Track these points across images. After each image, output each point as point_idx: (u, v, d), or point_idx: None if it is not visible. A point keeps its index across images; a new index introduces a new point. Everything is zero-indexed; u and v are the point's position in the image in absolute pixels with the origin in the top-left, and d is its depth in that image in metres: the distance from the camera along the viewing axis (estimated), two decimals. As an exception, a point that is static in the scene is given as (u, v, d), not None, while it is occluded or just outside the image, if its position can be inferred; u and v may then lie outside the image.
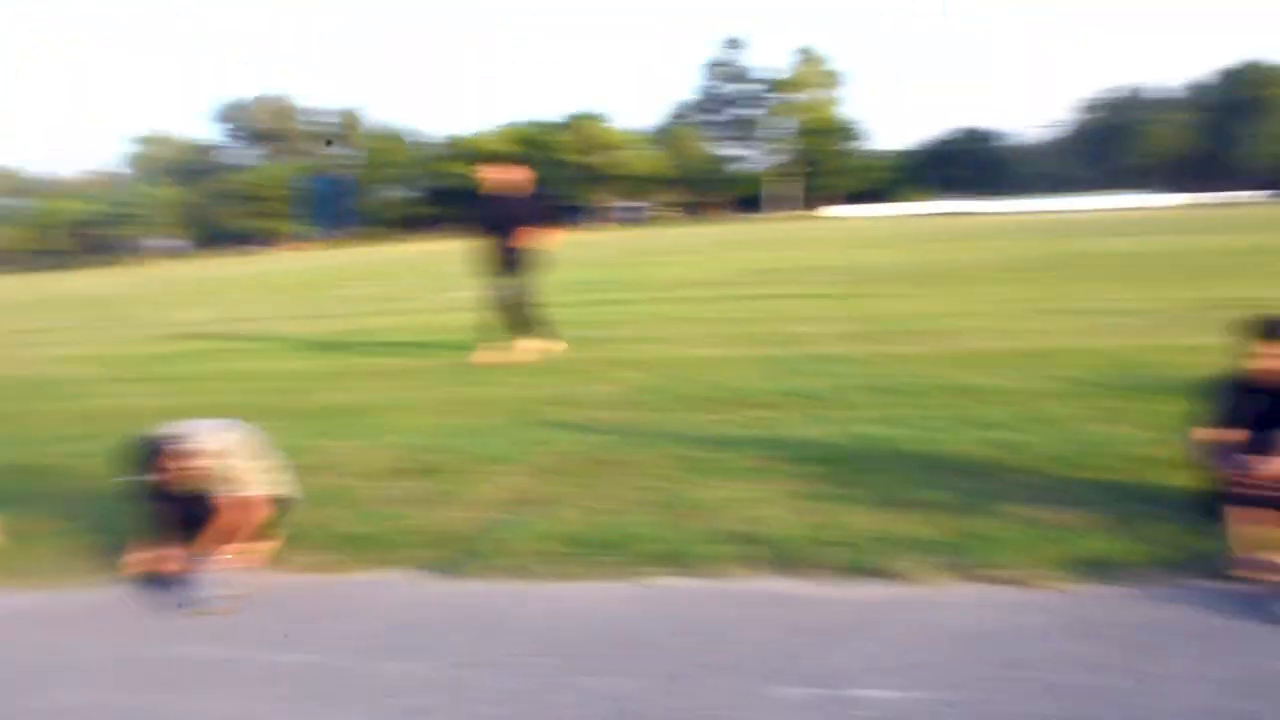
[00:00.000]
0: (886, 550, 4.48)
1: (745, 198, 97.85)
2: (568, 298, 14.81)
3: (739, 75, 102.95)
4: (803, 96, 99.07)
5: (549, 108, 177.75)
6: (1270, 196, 74.19)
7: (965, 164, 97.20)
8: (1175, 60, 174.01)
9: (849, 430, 6.59)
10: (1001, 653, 3.60)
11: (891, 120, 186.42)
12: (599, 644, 3.86)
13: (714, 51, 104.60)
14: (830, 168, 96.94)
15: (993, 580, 4.19)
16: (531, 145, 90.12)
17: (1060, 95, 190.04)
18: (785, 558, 4.50)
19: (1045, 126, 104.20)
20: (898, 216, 70.47)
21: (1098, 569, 4.22)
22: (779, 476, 5.63)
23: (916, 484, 5.37)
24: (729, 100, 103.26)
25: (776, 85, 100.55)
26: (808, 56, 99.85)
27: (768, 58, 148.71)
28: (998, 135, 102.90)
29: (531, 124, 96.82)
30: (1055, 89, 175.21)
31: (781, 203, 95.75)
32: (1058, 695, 3.29)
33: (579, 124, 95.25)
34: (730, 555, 4.56)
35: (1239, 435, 4.40)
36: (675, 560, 4.54)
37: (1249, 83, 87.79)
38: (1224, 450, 4.36)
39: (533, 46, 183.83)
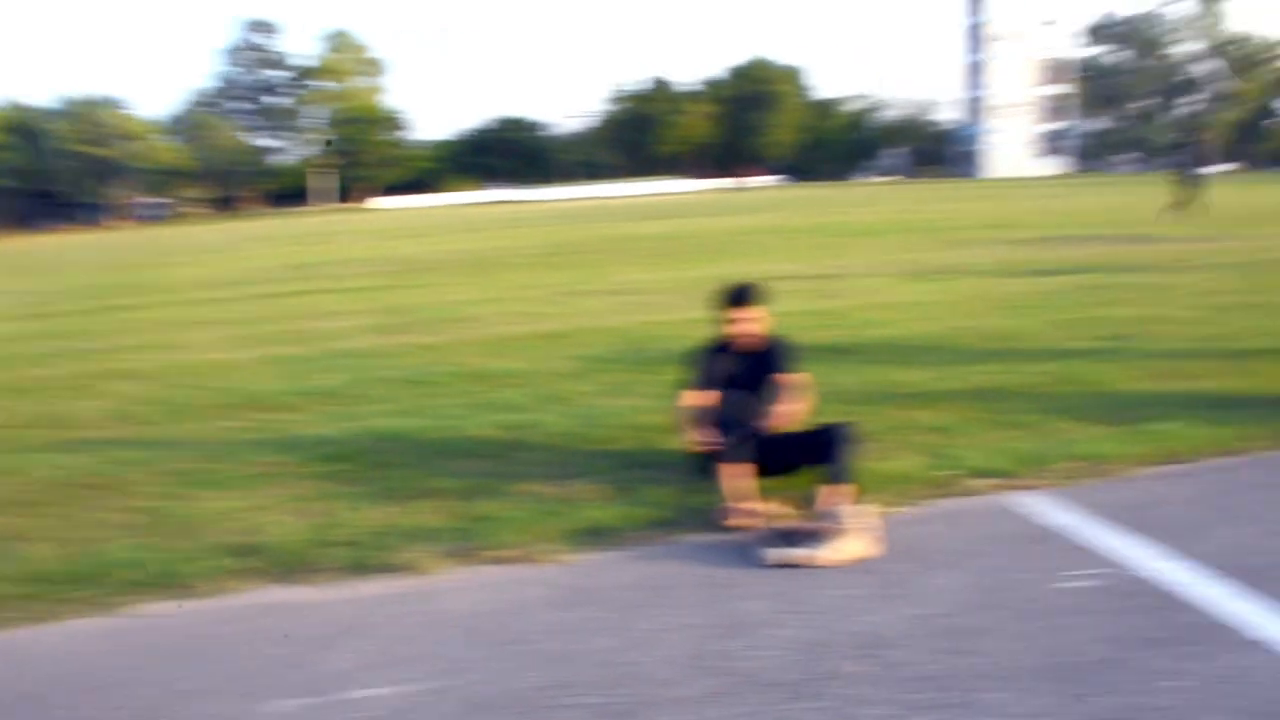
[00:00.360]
0: (392, 544, 4.43)
1: (284, 191, 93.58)
2: (66, 306, 13.40)
3: (270, 61, 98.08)
4: (339, 84, 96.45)
5: (42, 90, 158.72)
6: (781, 180, 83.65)
7: (506, 153, 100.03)
8: (694, 56, 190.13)
9: (365, 425, 6.48)
10: (499, 631, 3.66)
11: (433, 109, 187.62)
12: (61, 691, 3.47)
13: (238, 34, 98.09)
14: (371, 158, 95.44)
15: (498, 561, 4.26)
16: (18, 133, 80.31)
17: (592, 86, 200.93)
18: (286, 565, 4.31)
19: (580, 116, 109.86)
20: (440, 207, 71.19)
21: (599, 536, 4.43)
22: (286, 480, 5.41)
23: (428, 473, 5.37)
24: (262, 87, 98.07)
25: (310, 72, 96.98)
26: (342, 42, 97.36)
27: (301, 43, 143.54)
28: (536, 125, 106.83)
29: (14, 107, 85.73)
30: (588, 80, 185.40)
31: (324, 196, 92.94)
32: (551, 664, 3.39)
33: (83, 110, 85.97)
34: (225, 570, 4.28)
35: (713, 397, 4.84)
36: (162, 584, 4.19)
37: (758, 79, 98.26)
38: (703, 412, 4.77)
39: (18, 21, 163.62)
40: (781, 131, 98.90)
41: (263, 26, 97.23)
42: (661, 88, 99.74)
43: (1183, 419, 5.74)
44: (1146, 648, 3.27)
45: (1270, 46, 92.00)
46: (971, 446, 5.41)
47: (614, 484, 5.04)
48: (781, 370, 4.90)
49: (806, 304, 10.69)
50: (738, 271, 13.35)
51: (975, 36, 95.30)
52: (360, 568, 4.27)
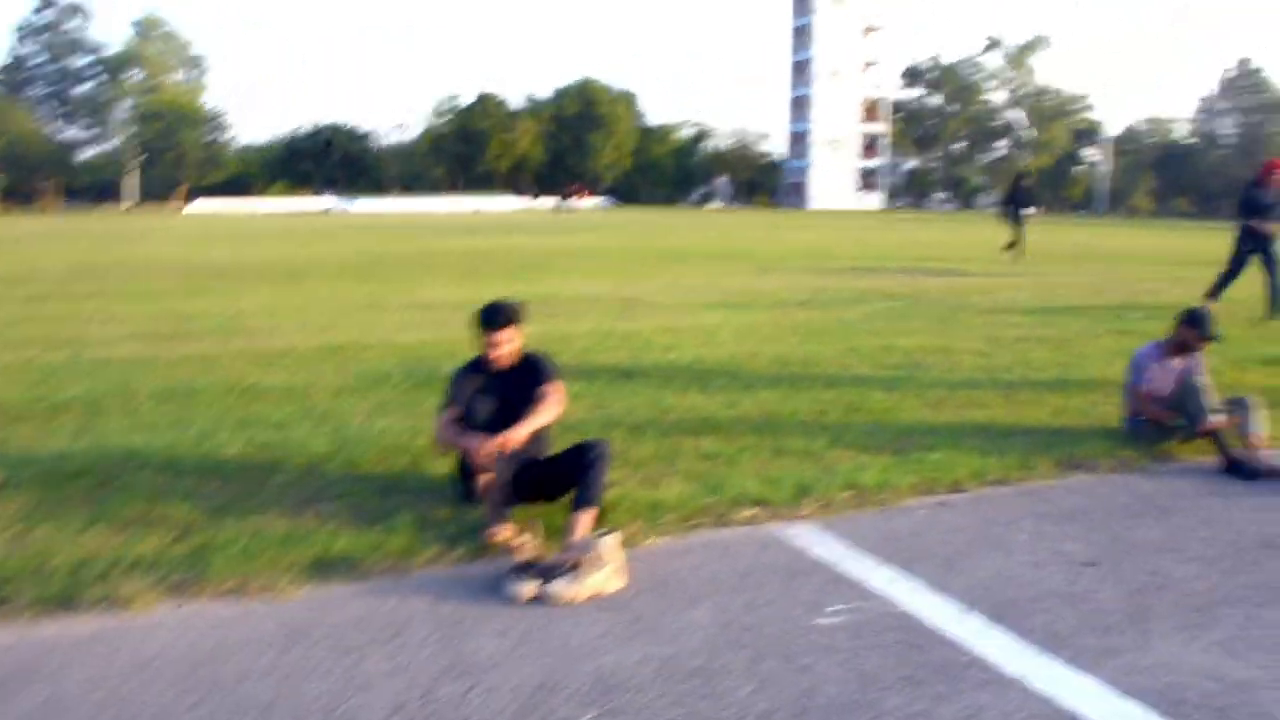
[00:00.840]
0: (109, 576, 3.97)
1: (92, 187, 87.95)
2: None
3: (76, 46, 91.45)
4: (153, 78, 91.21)
5: None
6: (607, 202, 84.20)
7: (329, 161, 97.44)
8: (523, 73, 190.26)
9: (105, 441, 5.94)
10: (210, 675, 3.28)
11: (253, 112, 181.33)
12: None
13: (35, 12, 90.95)
14: (187, 158, 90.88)
15: (220, 595, 3.88)
16: None
17: (420, 97, 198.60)
18: (-18, 600, 3.80)
19: (406, 128, 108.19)
20: (258, 213, 68.61)
21: (335, 568, 4.11)
22: (2, 501, 4.84)
23: (163, 497, 4.91)
24: (68, 75, 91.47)
25: (122, 62, 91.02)
26: (157, 33, 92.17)
27: (112, 30, 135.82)
28: (361, 133, 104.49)
29: None
30: (416, 91, 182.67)
31: (134, 194, 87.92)
32: (262, 711, 3.05)
33: None
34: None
35: (471, 417, 4.60)
36: None
37: (588, 100, 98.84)
38: (457, 433, 4.52)
39: None
40: (610, 154, 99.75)
41: (71, 9, 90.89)
42: (490, 103, 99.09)
43: (954, 449, 5.83)
44: (896, 688, 3.18)
45: (1075, 99, 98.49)
46: (745, 475, 5.32)
47: (365, 509, 4.72)
48: (538, 385, 4.70)
49: (602, 324, 10.57)
50: (542, 290, 13.21)
51: (801, 72, 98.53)
52: (68, 602, 3.80)
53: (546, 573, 3.94)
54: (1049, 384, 7.80)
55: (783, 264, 19.31)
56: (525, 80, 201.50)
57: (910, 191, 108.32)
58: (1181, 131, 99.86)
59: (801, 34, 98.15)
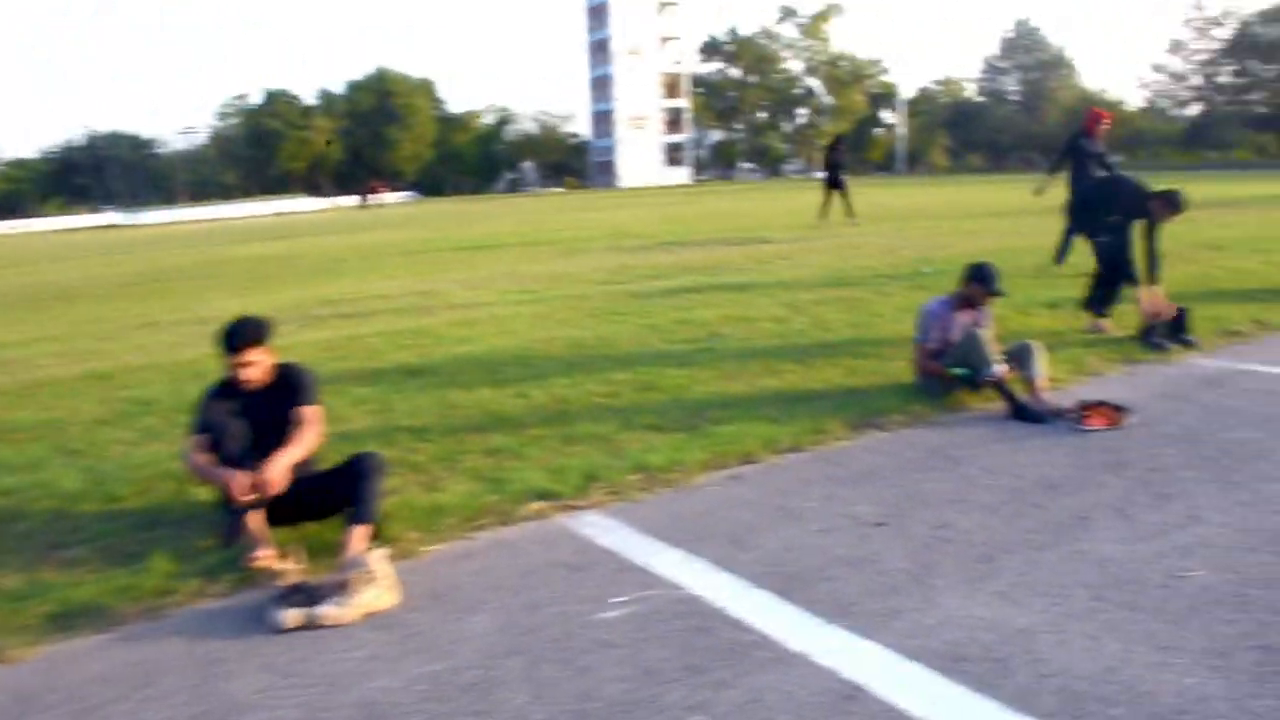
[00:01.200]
0: None
1: None
2: None
3: None
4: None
5: None
6: (411, 196, 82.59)
7: (108, 171, 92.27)
8: (313, 68, 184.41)
9: None
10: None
11: (15, 123, 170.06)
12: None
13: None
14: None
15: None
16: None
17: (204, 100, 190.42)
18: None
19: (192, 132, 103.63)
20: (26, 232, 64.37)
21: (77, 619, 3.73)
22: None
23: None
24: None
25: None
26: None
27: None
28: (143, 141, 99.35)
29: None
30: (199, 93, 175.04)
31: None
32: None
33: None
34: None
35: (223, 440, 4.26)
36: None
37: (384, 92, 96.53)
38: (209, 464, 4.18)
39: None
40: (411, 146, 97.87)
41: None
42: (280, 101, 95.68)
43: (747, 420, 5.79)
44: (678, 680, 3.06)
45: (869, 64, 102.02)
46: (532, 468, 5.14)
47: (118, 549, 4.35)
48: (295, 405, 4.39)
49: (394, 323, 10.22)
50: (335, 292, 12.72)
51: (600, 51, 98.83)
52: None
53: (313, 596, 3.68)
54: (844, 345, 7.89)
55: (588, 246, 19.19)
56: (317, 74, 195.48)
57: (717, 163, 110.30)
58: (970, 91, 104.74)
59: (598, 13, 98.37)
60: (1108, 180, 8.44)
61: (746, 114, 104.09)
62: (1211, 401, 6.03)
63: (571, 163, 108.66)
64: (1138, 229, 8.10)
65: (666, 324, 9.20)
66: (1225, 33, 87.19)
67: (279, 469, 4.10)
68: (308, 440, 4.31)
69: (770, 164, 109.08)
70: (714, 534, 4.24)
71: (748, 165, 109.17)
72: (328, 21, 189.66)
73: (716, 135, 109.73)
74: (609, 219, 29.54)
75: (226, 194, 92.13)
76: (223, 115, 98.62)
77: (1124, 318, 8.23)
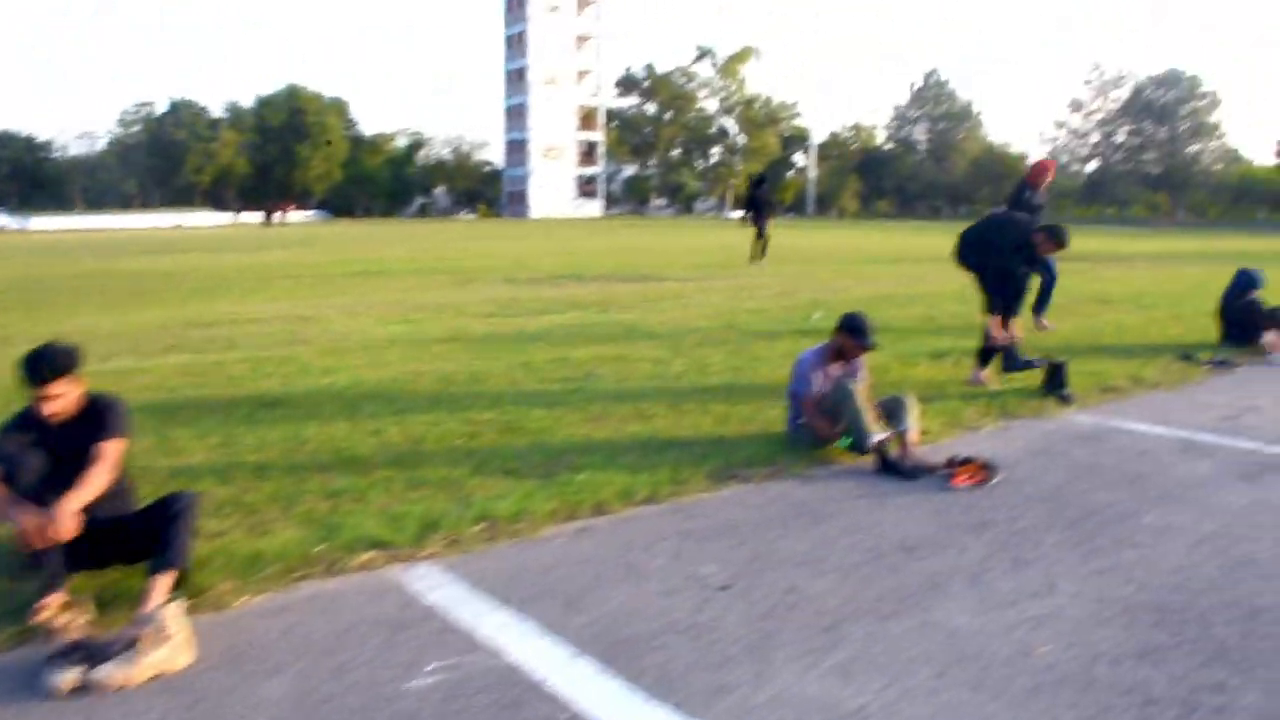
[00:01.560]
0: None
1: None
2: None
3: None
4: None
5: None
6: (319, 216, 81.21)
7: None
8: (223, 79, 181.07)
9: None
10: None
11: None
12: None
13: None
14: None
15: None
16: None
17: (108, 107, 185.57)
18: None
19: (91, 137, 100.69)
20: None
21: None
22: None
23: None
24: None
25: None
26: None
27: None
28: (39, 143, 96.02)
29: None
30: (103, 100, 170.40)
31: None
32: None
33: None
34: None
35: (22, 477, 3.87)
36: None
37: (295, 109, 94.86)
38: (3, 500, 3.78)
39: None
40: (321, 165, 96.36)
41: None
42: (186, 111, 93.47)
43: (606, 468, 5.54)
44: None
45: (784, 107, 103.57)
46: (370, 513, 4.80)
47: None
48: (100, 440, 4.02)
49: (264, 349, 9.78)
50: (213, 313, 12.22)
51: (517, 80, 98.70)
52: None
53: (96, 654, 3.31)
54: (720, 390, 7.70)
55: (484, 275, 18.85)
56: (226, 87, 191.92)
57: (630, 198, 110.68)
58: (881, 138, 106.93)
59: (515, 42, 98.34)
60: (994, 219, 8.42)
61: (661, 150, 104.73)
62: (1083, 459, 5.94)
63: (485, 191, 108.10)
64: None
65: (543, 361, 8.93)
66: (1122, 93, 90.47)
67: (67, 511, 3.73)
68: (97, 479, 3.93)
69: (683, 201, 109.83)
70: (550, 593, 3.96)
71: (660, 201, 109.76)
72: (240, 34, 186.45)
73: (630, 170, 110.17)
74: (512, 249, 29.23)
75: (126, 203, 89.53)
76: (125, 123, 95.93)
77: (1022, 377, 8.18)
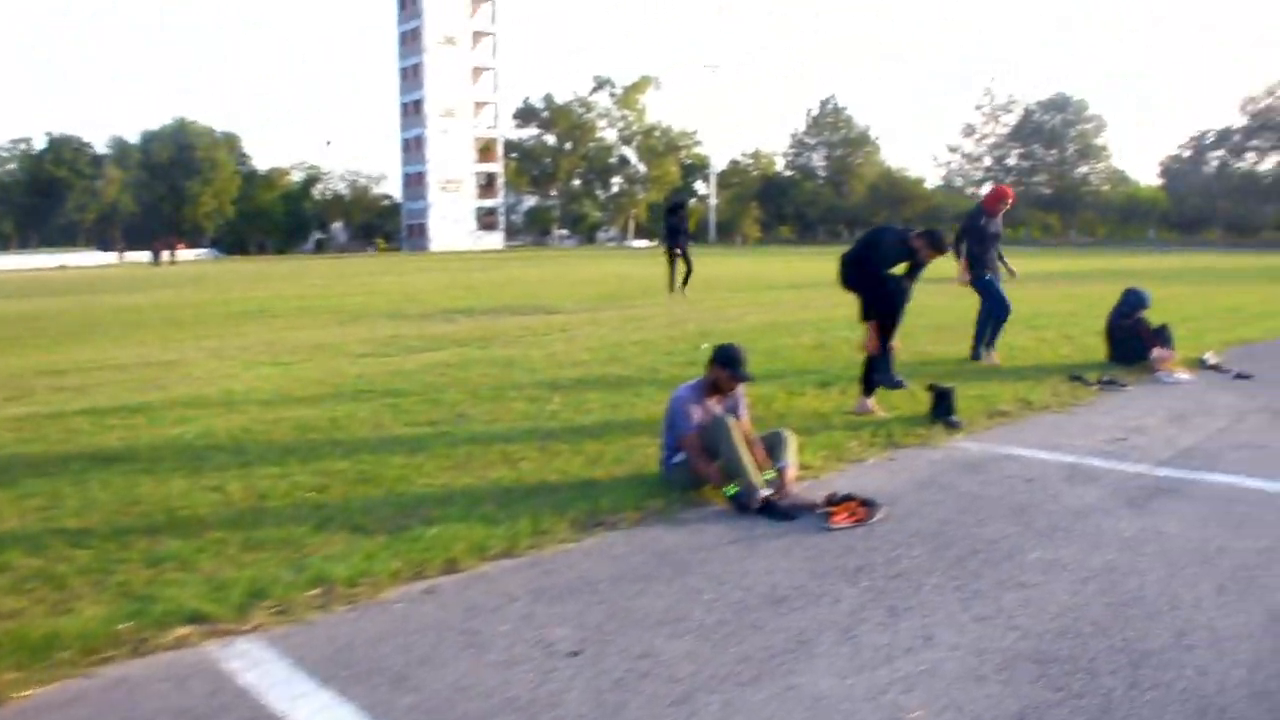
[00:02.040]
0: None
1: None
2: None
3: None
4: None
5: None
6: (209, 254, 79.20)
7: None
8: (105, 114, 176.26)
9: None
10: None
11: None
12: None
13: None
14: None
15: None
16: None
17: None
18: None
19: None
20: None
21: None
22: None
23: None
24: None
25: None
26: None
27: None
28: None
29: None
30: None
31: None
32: None
33: None
34: None
35: None
36: None
37: (184, 144, 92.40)
38: None
39: None
40: (212, 201, 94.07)
41: None
42: (66, 148, 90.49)
43: (463, 519, 5.15)
44: None
45: (683, 135, 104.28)
46: (195, 582, 4.34)
47: None
48: None
49: (115, 397, 9.17)
50: (72, 359, 11.55)
51: (413, 112, 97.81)
52: None
53: None
54: (596, 429, 7.34)
55: (371, 312, 18.27)
56: (110, 123, 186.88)
57: (531, 229, 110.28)
58: (780, 165, 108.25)
59: (411, 74, 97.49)
60: (870, 235, 8.22)
61: (561, 180, 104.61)
62: (969, 490, 5.73)
63: (384, 224, 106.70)
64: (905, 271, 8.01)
65: (412, 403, 8.49)
66: (1012, 118, 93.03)
67: None
68: None
69: (586, 231, 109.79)
70: (379, 668, 3.55)
71: (562, 232, 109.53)
72: (124, 68, 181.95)
73: (532, 201, 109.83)
74: (404, 284, 28.61)
75: (2, 243, 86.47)
76: (4, 158, 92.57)
77: (904, 399, 7.99)
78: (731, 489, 5.41)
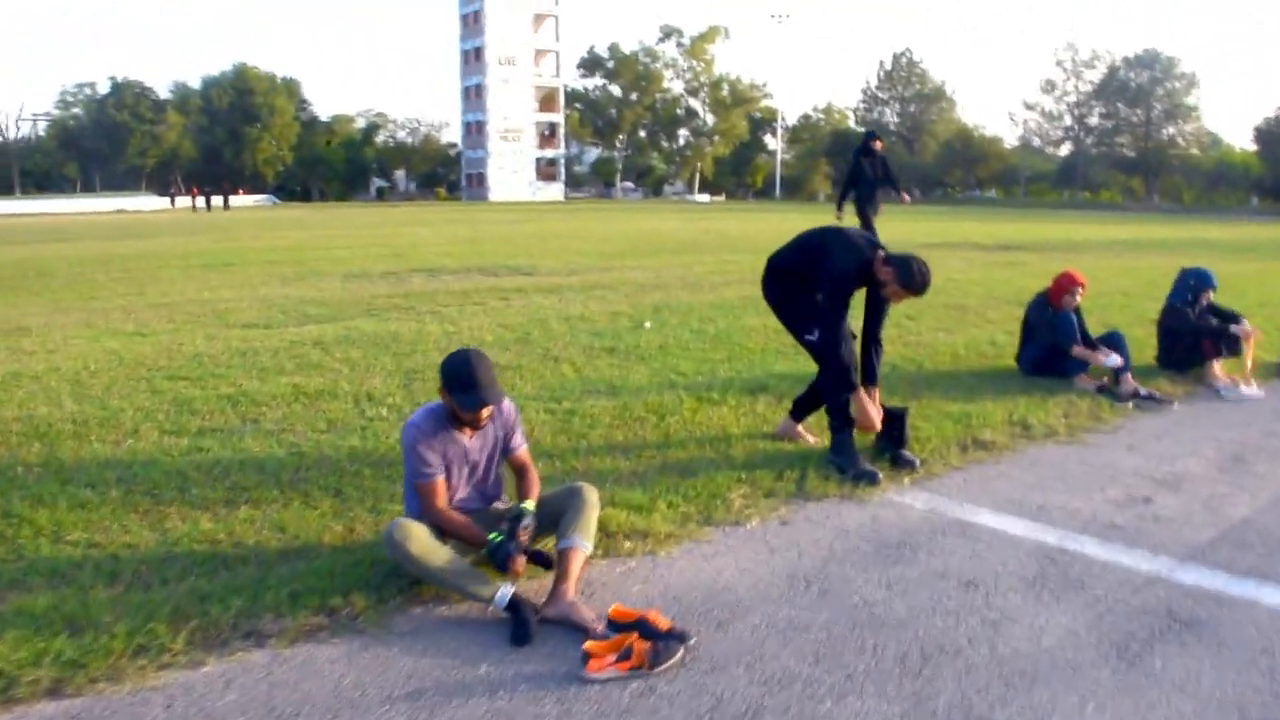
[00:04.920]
0: None
1: None
2: None
3: None
4: None
5: None
6: (266, 201, 78.26)
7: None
8: (167, 59, 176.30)
9: None
10: None
11: None
12: None
13: None
14: None
15: None
16: None
17: (44, 87, 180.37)
18: None
19: (32, 119, 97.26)
20: None
21: None
22: None
23: None
24: None
25: None
26: None
27: None
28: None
29: None
30: (41, 80, 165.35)
31: None
32: None
33: None
34: None
35: None
36: None
37: (244, 90, 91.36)
38: None
39: None
40: (272, 147, 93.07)
41: None
42: (129, 92, 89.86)
43: (30, 623, 3.16)
44: None
45: (752, 88, 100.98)
46: None
47: None
48: None
49: None
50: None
51: (473, 60, 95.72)
52: None
53: None
54: (391, 458, 5.24)
55: (332, 269, 16.28)
56: (172, 67, 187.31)
57: (595, 181, 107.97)
58: (851, 120, 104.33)
59: (471, 20, 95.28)
60: (816, 238, 5.66)
61: (626, 132, 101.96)
62: (865, 598, 3.64)
63: (447, 173, 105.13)
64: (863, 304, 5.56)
65: (208, 400, 6.50)
66: (1096, 74, 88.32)
67: None
68: None
69: (652, 184, 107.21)
70: None
71: (627, 184, 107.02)
72: (186, 14, 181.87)
73: (595, 152, 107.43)
74: (415, 236, 26.66)
75: (67, 187, 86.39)
76: (64, 104, 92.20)
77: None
78: (495, 538, 3.45)
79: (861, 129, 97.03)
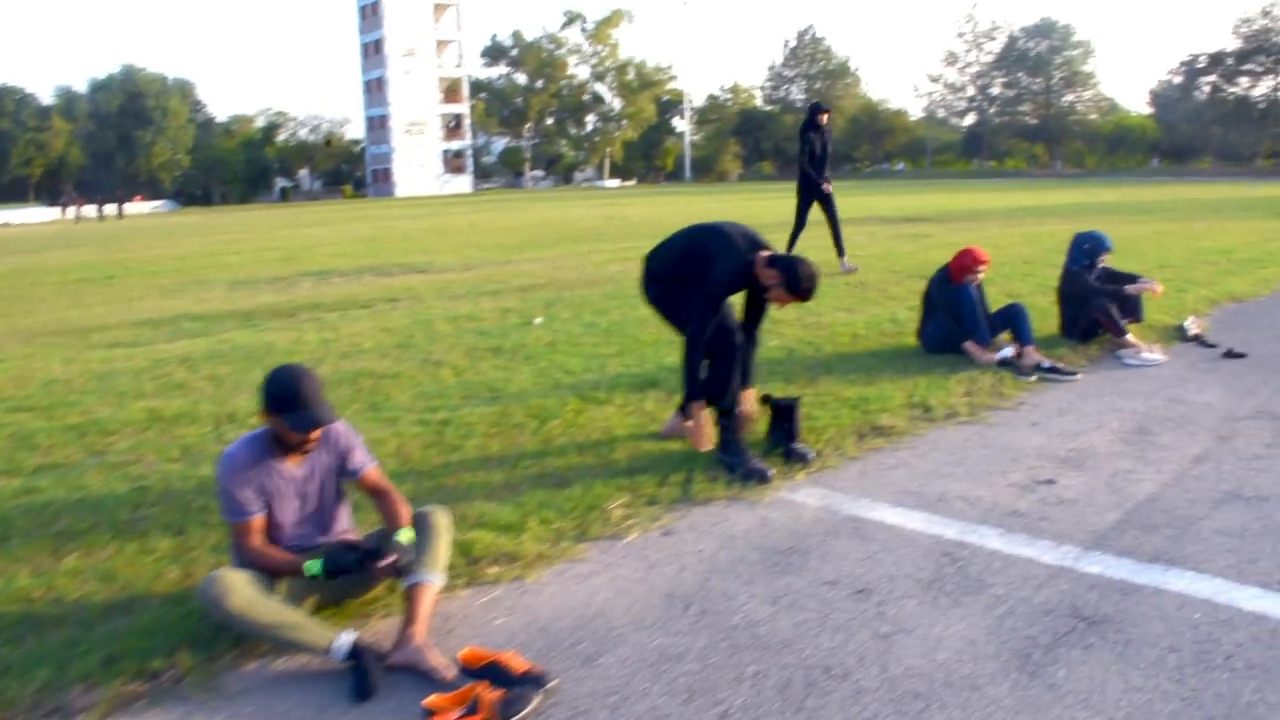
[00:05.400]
0: None
1: None
2: None
3: None
4: None
5: None
6: (162, 207, 76.04)
7: None
8: (48, 63, 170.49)
9: None
10: None
11: None
12: None
13: None
14: None
15: None
16: None
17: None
18: None
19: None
20: None
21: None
22: None
23: None
24: None
25: None
26: None
27: None
28: None
29: None
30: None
31: None
32: None
33: None
34: None
35: None
36: None
37: (127, 92, 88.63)
38: None
39: None
40: (167, 151, 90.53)
41: None
42: (9, 98, 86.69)
43: None
44: None
45: (659, 71, 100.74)
46: None
47: None
48: None
49: None
50: None
51: (373, 53, 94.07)
52: None
53: None
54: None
55: (218, 277, 15.62)
56: (54, 72, 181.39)
57: (504, 171, 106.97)
58: (758, 99, 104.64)
59: (370, 12, 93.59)
60: (696, 235, 5.32)
61: (533, 120, 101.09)
62: (749, 617, 3.36)
63: (352, 170, 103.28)
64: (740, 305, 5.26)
65: (53, 429, 6.02)
66: (996, 46, 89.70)
67: None
68: None
69: (562, 171, 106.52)
70: None
71: (537, 173, 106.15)
72: (68, 16, 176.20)
73: (503, 142, 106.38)
74: (311, 237, 25.89)
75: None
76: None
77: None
78: (312, 567, 3.14)
79: (767, 108, 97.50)
